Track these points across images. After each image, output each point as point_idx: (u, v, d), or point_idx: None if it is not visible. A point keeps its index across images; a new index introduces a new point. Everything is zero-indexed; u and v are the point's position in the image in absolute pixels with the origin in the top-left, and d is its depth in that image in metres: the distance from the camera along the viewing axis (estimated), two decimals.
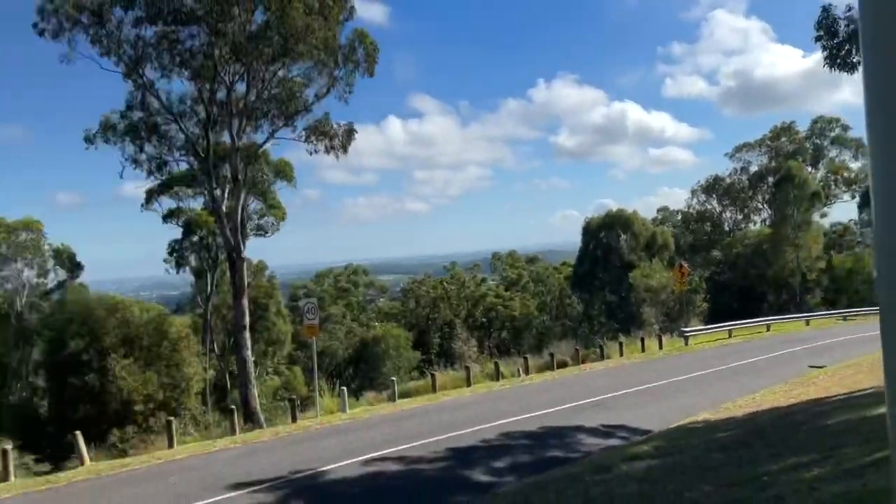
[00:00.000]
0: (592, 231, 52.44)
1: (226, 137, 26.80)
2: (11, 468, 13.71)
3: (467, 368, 23.64)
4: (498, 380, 22.99)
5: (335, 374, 44.49)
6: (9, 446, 14.31)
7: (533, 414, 15.37)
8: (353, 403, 22.03)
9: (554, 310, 54.58)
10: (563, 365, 25.96)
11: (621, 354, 27.31)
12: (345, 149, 27.56)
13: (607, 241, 51.53)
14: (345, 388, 20.73)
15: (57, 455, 21.39)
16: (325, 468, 11.68)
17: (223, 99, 25.80)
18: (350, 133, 27.66)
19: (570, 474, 9.53)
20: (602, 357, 27.40)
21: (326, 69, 26.03)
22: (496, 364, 24.64)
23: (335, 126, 27.34)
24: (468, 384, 22.09)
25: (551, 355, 26.35)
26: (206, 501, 10.12)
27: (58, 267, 42.16)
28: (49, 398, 31.76)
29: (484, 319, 51.20)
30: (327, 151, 27.32)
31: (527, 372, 24.81)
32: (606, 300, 49.04)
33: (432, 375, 22.94)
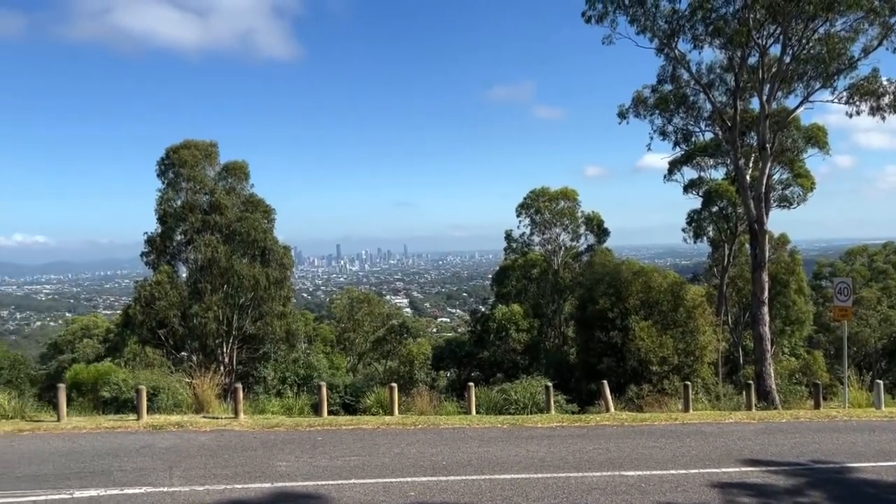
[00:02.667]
0: None
1: (754, 104, 25.95)
2: (552, 403, 16.11)
3: None
4: None
5: (864, 364, 39.55)
6: (550, 384, 16.82)
7: None
8: (889, 402, 19.26)
9: None
10: None
11: None
12: (895, 108, 23.87)
13: None
14: (880, 382, 18.24)
15: (583, 399, 24.13)
16: (854, 465, 10.60)
17: (754, 64, 24.91)
18: None
19: None
20: None
21: (879, 18, 22.76)
22: None
23: (885, 83, 23.82)
24: None
25: None
26: (720, 469, 10.24)
27: (588, 232, 46.96)
28: (577, 347, 35.98)
29: None
30: (872, 113, 24.08)
31: None
32: None
33: None
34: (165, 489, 8.85)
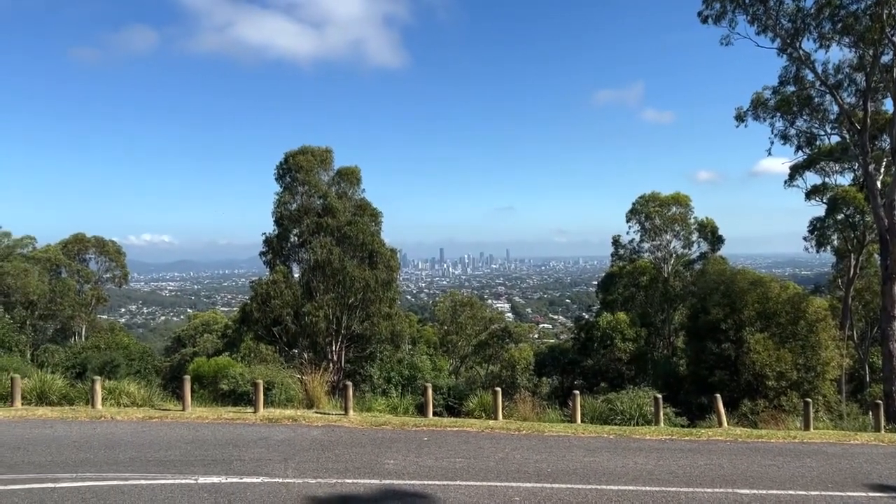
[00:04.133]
0: None
1: (887, 106, 24.30)
2: (661, 415, 15.67)
3: None
4: None
5: None
6: (659, 395, 16.35)
7: None
8: None
9: None
10: None
11: None
12: None
13: None
14: None
15: (692, 412, 23.29)
16: None
17: (887, 63, 23.31)
18: None
19: None
20: None
21: None
22: None
23: None
24: None
25: None
26: (844, 493, 9.64)
27: (701, 239, 45.31)
28: (687, 359, 34.74)
29: None
30: None
31: None
32: None
33: None
34: (280, 480, 9.28)
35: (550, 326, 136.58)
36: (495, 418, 15.14)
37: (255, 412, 14.52)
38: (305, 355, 32.02)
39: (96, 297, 54.09)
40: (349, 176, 36.46)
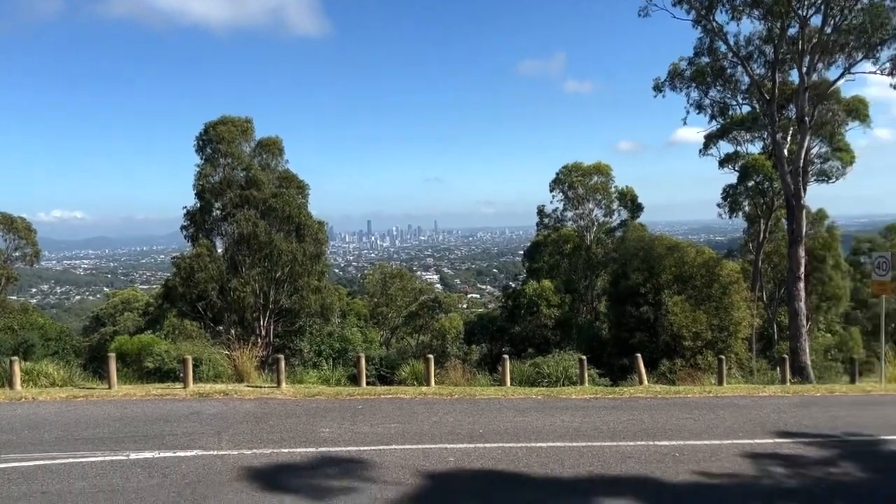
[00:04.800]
0: None
1: (793, 77, 25.52)
2: (585, 376, 16.33)
3: None
4: None
5: None
6: (583, 357, 17.00)
7: None
8: None
9: None
10: None
11: None
12: None
13: None
14: None
15: (615, 374, 24.28)
16: (888, 437, 10.66)
17: (794, 35, 24.47)
18: None
19: None
20: None
21: None
22: None
23: None
24: None
25: None
26: (753, 440, 10.37)
27: (621, 207, 46.71)
28: (609, 323, 36.01)
29: None
30: None
31: None
32: None
33: None
34: (215, 452, 9.27)
35: (479, 296, 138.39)
36: (428, 385, 15.42)
37: (185, 388, 14.32)
38: (233, 331, 31.52)
39: (6, 277, 51.36)
40: (271, 147, 35.75)
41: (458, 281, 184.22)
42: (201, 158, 34.47)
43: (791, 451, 9.84)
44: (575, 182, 45.46)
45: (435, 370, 16.32)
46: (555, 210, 47.56)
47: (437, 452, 9.38)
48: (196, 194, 34.36)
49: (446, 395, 13.80)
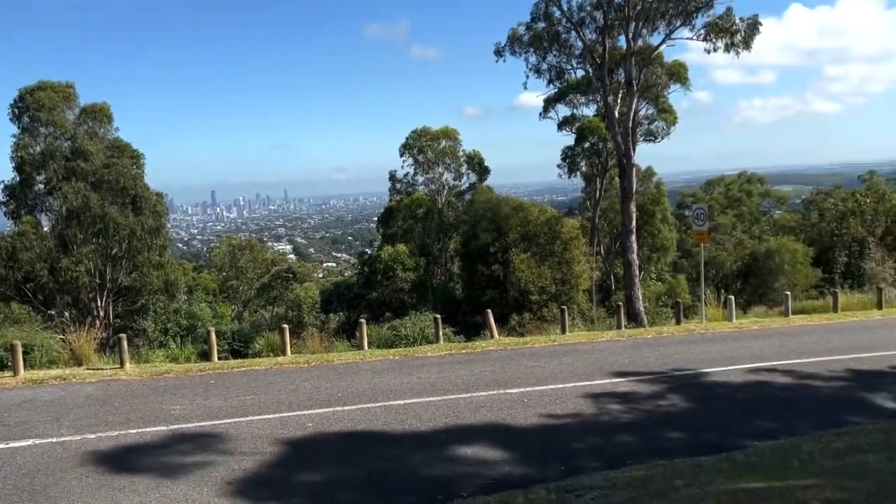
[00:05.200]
0: None
1: (622, 42, 27.07)
2: (440, 334, 16.81)
3: (879, 290, 21.00)
4: None
5: (722, 285, 43.09)
6: (438, 316, 17.47)
7: None
8: (740, 316, 21.44)
9: None
10: None
11: None
12: (747, 45, 25.80)
13: None
14: (731, 298, 20.23)
15: (469, 330, 25.17)
16: (707, 370, 11.93)
17: (621, 2, 25.94)
18: (754, 27, 25.69)
19: None
20: None
21: None
22: None
23: (737, 21, 25.58)
24: (879, 307, 19.74)
25: None
26: (593, 381, 11.23)
27: (469, 171, 47.75)
28: (462, 283, 37.09)
29: None
30: (727, 49, 25.81)
31: None
32: None
33: (834, 294, 20.94)
34: (55, 439, 8.70)
35: (335, 264, 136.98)
36: (284, 355, 15.23)
37: (14, 375, 13.20)
38: (67, 314, 29.27)
39: None
40: (98, 114, 33.06)
41: (312, 250, 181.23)
42: (18, 128, 31.32)
43: (626, 389, 10.77)
44: (424, 147, 45.89)
45: (292, 340, 16.13)
46: (406, 175, 47.86)
47: (294, 420, 9.37)
48: (14, 167, 31.25)
49: (303, 364, 13.72)
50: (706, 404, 9.89)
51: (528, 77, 29.76)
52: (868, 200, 42.92)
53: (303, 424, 9.13)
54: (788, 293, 22.25)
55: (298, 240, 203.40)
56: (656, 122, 39.70)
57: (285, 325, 16.26)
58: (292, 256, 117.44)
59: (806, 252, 38.19)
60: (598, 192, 42.95)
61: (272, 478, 7.32)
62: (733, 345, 14.46)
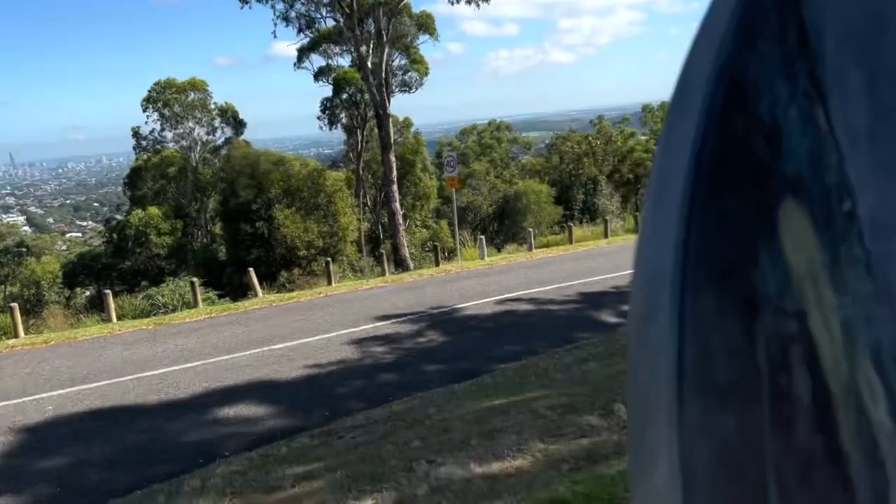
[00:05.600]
0: None
1: None
2: (199, 298, 16.09)
3: (605, 221, 23.86)
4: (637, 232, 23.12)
5: (479, 227, 46.03)
6: (195, 280, 16.69)
7: None
8: (493, 254, 23.13)
9: None
10: None
11: None
12: None
13: None
14: (482, 237, 21.75)
15: (236, 292, 24.38)
16: (462, 305, 12.77)
17: None
18: None
19: None
20: None
21: None
22: (635, 217, 24.60)
23: None
24: (605, 236, 22.42)
25: None
26: (358, 328, 11.52)
27: (224, 125, 45.44)
28: (226, 243, 35.64)
29: (631, 175, 50.09)
30: (469, 2, 26.94)
31: None
32: None
33: (569, 228, 23.39)
34: None
35: (80, 234, 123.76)
36: (16, 337, 13.60)
37: None
38: None
39: None
40: None
41: (51, 220, 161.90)
42: None
43: (388, 332, 11.19)
44: (170, 100, 42.66)
45: (30, 321, 14.47)
46: (152, 131, 44.25)
47: (31, 405, 8.50)
48: None
49: (41, 344, 12.38)
50: (460, 336, 10.63)
51: (276, 25, 28.87)
52: (598, 143, 48.16)
53: (42, 408, 8.32)
54: (531, 230, 24.41)
55: (33, 209, 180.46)
56: (409, 73, 40.56)
57: (14, 304, 14.50)
58: (27, 229, 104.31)
59: (549, 192, 42.00)
60: (359, 144, 43.16)
61: (7, 468, 6.63)
62: (484, 280, 15.60)
